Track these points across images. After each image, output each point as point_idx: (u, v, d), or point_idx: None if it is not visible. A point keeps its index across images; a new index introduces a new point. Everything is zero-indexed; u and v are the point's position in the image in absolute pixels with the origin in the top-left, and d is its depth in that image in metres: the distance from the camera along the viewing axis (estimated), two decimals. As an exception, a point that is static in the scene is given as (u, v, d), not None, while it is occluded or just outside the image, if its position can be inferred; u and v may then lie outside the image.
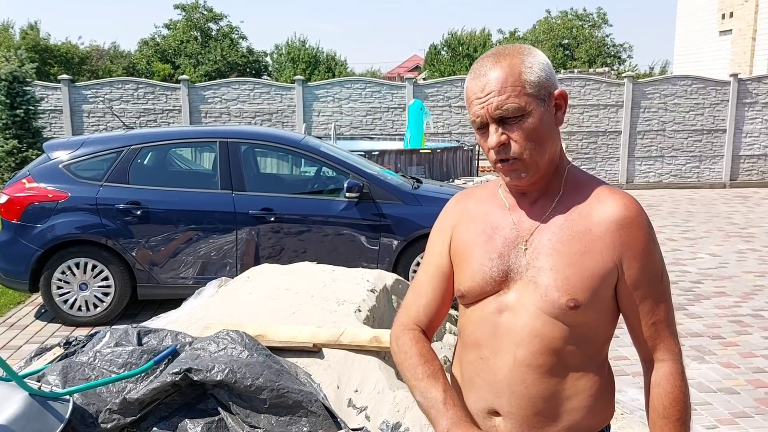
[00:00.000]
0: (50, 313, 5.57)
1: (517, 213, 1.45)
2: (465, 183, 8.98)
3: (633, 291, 1.39)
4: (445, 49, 31.51)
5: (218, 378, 2.40)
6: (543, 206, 1.43)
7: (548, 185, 1.44)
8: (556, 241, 1.39)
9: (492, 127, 1.36)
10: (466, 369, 1.51)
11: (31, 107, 11.40)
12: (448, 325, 3.49)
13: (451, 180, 9.53)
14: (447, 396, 1.40)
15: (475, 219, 1.50)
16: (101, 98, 12.41)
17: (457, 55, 30.61)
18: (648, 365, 1.45)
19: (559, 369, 1.41)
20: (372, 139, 12.29)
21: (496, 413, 1.45)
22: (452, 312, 3.59)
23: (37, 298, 6.09)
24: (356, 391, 2.53)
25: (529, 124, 1.35)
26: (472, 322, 1.48)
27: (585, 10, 31.19)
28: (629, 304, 1.41)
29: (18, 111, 11.17)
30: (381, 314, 3.25)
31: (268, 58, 33.66)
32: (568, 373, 1.42)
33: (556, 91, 1.39)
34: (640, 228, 1.38)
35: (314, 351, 2.69)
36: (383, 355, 2.71)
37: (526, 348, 1.39)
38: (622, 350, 4.88)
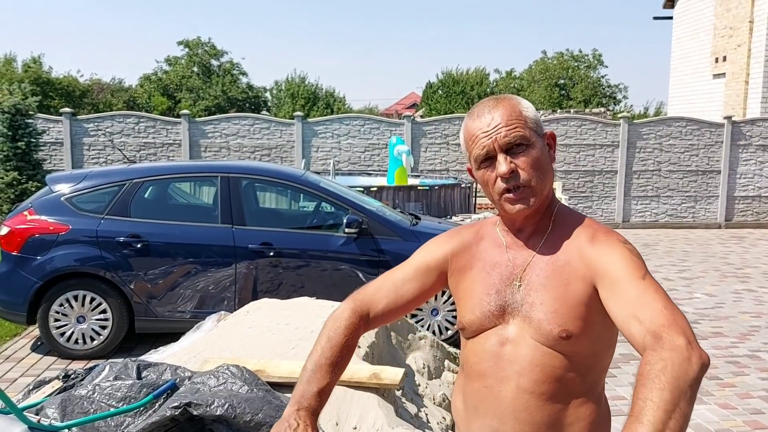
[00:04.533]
0: (47, 345, 5.54)
1: (512, 250, 1.54)
2: (463, 220, 9.04)
3: (611, 293, 1.36)
4: (440, 88, 31.92)
5: (218, 413, 2.40)
6: (534, 243, 1.52)
7: (540, 222, 1.53)
8: (543, 276, 1.48)
9: (501, 156, 1.45)
10: (469, 398, 1.57)
11: (32, 140, 11.49)
12: (446, 362, 3.50)
13: (448, 217, 9.59)
14: (315, 383, 1.47)
15: (476, 256, 1.59)
16: (103, 131, 12.52)
17: (452, 93, 30.99)
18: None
19: (561, 396, 1.47)
20: (370, 175, 12.39)
21: None
22: (451, 350, 3.59)
23: (34, 331, 6.06)
24: (355, 428, 2.53)
25: (534, 153, 1.46)
26: (476, 354, 1.56)
27: (581, 51, 31.70)
28: (613, 306, 1.35)
29: (19, 143, 11.25)
30: (380, 351, 3.26)
31: (267, 94, 34.02)
32: (570, 400, 1.48)
33: (548, 131, 1.54)
34: (608, 240, 1.44)
35: (314, 387, 2.69)
36: (382, 391, 2.71)
37: (529, 377, 1.47)
38: (620, 390, 4.87)
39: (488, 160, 1.47)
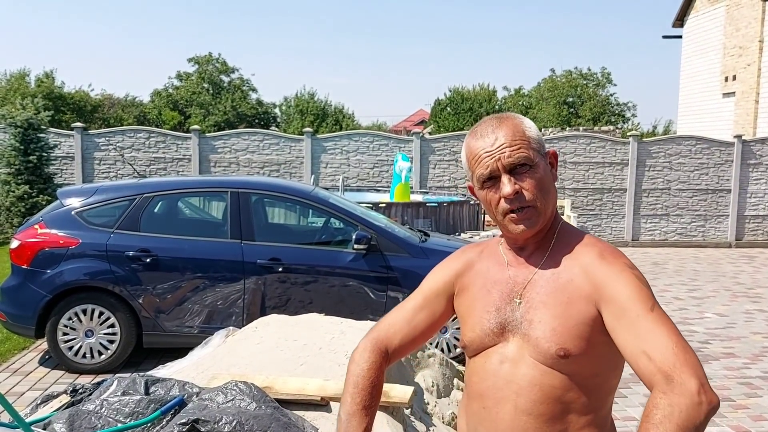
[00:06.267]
0: (54, 359, 5.54)
1: (513, 268, 1.52)
2: (471, 237, 9.01)
3: (617, 323, 1.35)
4: (449, 105, 32.02)
5: (226, 430, 2.38)
6: (536, 260, 1.50)
7: (542, 240, 1.52)
8: (543, 294, 1.45)
9: (505, 177, 1.44)
10: (470, 419, 1.55)
11: (44, 154, 11.59)
12: (456, 381, 3.47)
13: (457, 234, 9.57)
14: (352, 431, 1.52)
15: (478, 274, 1.58)
16: (114, 146, 12.60)
17: (460, 110, 31.07)
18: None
19: (561, 418, 1.43)
20: (378, 191, 12.40)
21: None
22: (460, 368, 3.56)
23: (41, 344, 6.06)
24: (364, 446, 2.50)
25: (538, 174, 1.45)
26: (476, 373, 1.53)
27: (589, 70, 31.78)
28: (620, 338, 1.35)
29: (31, 157, 11.35)
30: (389, 368, 3.23)
31: (276, 110, 34.23)
32: (571, 423, 1.43)
33: (550, 150, 1.53)
34: (614, 266, 1.41)
35: (322, 404, 2.67)
36: (391, 410, 2.69)
37: (527, 397, 1.43)
38: (630, 411, 4.81)
39: (491, 180, 1.46)
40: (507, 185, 1.43)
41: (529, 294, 1.47)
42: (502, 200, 1.44)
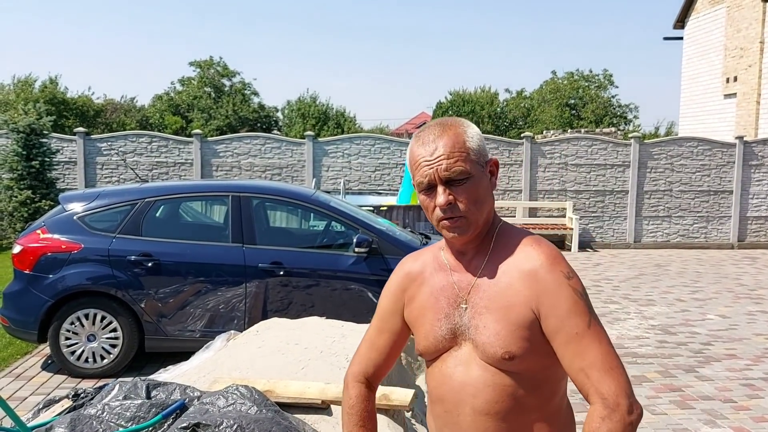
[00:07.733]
0: (57, 364, 5.55)
1: (456, 273, 1.58)
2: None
3: (555, 337, 1.44)
4: (450, 108, 32.01)
5: (227, 434, 2.39)
6: (477, 265, 1.55)
7: (481, 243, 1.56)
8: (486, 299, 1.51)
9: (440, 188, 1.49)
10: (436, 422, 1.62)
11: (46, 159, 11.61)
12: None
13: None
14: None
15: (424, 282, 1.63)
16: (116, 151, 12.64)
17: (462, 113, 31.06)
18: None
19: (516, 413, 1.49)
20: (380, 194, 12.41)
21: None
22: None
23: (44, 349, 6.08)
24: (364, 449, 2.51)
25: (472, 186, 1.49)
26: (435, 378, 1.60)
27: (591, 72, 31.75)
28: (558, 351, 1.45)
29: (33, 162, 11.38)
30: (390, 371, 3.24)
31: (279, 114, 34.23)
32: (526, 416, 1.50)
33: (492, 159, 1.57)
34: (553, 276, 1.45)
35: (323, 408, 2.68)
36: (392, 413, 2.69)
37: (482, 398, 1.50)
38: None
39: (429, 188, 1.50)
40: (441, 196, 1.48)
41: (474, 299, 1.52)
42: (437, 208, 1.49)
